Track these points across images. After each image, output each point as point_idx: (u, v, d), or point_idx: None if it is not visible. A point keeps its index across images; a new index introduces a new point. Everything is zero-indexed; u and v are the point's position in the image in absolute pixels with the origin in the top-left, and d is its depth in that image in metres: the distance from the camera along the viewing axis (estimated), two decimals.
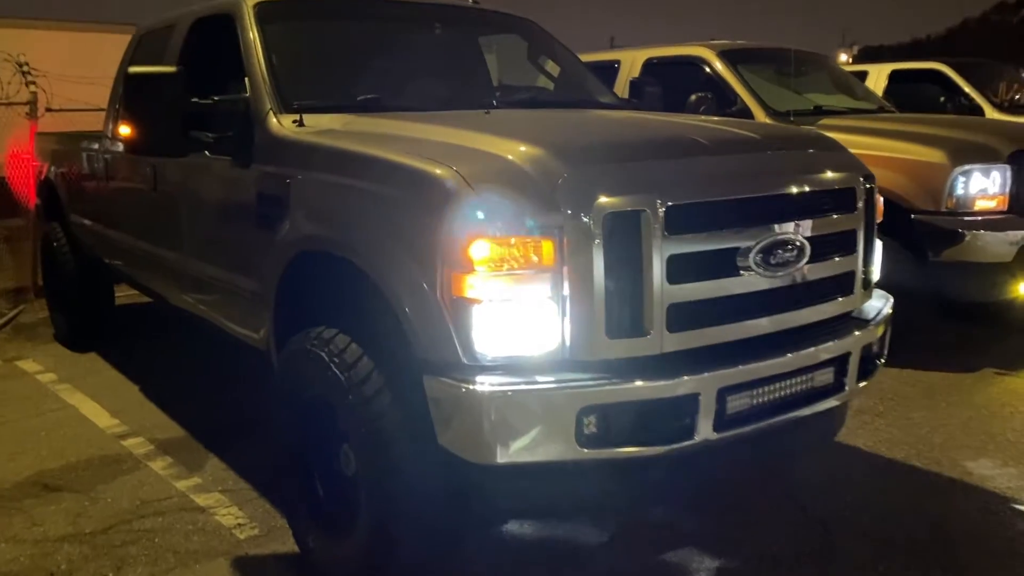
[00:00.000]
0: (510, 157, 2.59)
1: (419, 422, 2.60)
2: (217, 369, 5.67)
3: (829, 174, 2.99)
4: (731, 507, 3.58)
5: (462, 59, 4.54)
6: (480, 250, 2.42)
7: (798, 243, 2.78)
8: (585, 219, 2.44)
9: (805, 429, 3.12)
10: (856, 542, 3.34)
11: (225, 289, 3.75)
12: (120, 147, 5.04)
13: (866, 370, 3.10)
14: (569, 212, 2.44)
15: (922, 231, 5.33)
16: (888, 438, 4.36)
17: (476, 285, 2.43)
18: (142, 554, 3.35)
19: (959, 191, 5.28)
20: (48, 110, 8.21)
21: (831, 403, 2.99)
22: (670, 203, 2.50)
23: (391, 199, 2.65)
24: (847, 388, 3.00)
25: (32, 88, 8.02)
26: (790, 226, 2.76)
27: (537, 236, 2.43)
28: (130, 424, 4.75)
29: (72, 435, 4.62)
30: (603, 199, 2.45)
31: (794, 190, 2.83)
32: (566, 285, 2.45)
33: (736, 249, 2.65)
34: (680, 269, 2.54)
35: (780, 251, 2.74)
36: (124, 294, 6.53)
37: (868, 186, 3.10)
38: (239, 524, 3.58)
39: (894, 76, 10.15)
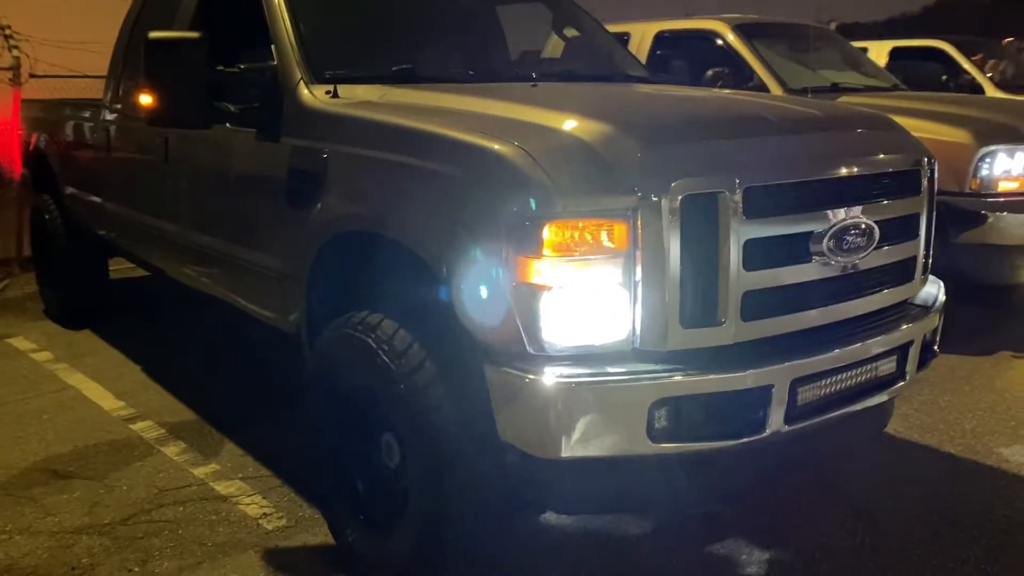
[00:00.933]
0: (578, 134, 2.44)
1: (476, 414, 2.47)
2: (220, 347, 5.51)
3: (896, 155, 2.88)
4: (776, 499, 3.48)
5: (488, 29, 4.36)
6: (549, 233, 2.28)
7: (868, 227, 2.67)
8: (660, 201, 2.30)
9: (862, 421, 3.03)
10: (906, 532, 3.26)
11: (247, 269, 3.57)
12: (123, 115, 4.82)
13: (924, 359, 3.02)
14: (643, 194, 2.30)
15: (944, 212, 5.21)
16: (919, 424, 4.29)
17: (544, 270, 2.29)
18: (167, 546, 3.20)
19: (984, 172, 5.21)
20: (32, 76, 7.92)
21: (891, 393, 2.90)
22: (749, 184, 2.37)
23: (448, 177, 2.49)
24: (908, 378, 2.91)
25: (15, 53, 7.71)
26: (861, 209, 2.65)
27: (610, 219, 2.30)
28: (137, 406, 4.57)
29: (77, 418, 4.43)
30: (680, 180, 2.31)
31: (864, 172, 2.72)
32: (638, 271, 2.31)
33: (810, 234, 2.53)
34: (756, 254, 2.42)
35: (851, 236, 2.62)
36: (116, 267, 6.30)
37: (931, 167, 2.99)
38: (265, 514, 3.43)
39: (895, 53, 10.07)
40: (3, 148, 7.61)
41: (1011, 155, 5.24)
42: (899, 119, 5.41)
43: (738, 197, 2.36)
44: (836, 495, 3.54)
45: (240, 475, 3.76)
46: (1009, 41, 12.53)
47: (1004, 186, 5.26)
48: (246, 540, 3.24)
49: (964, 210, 5.22)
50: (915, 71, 9.75)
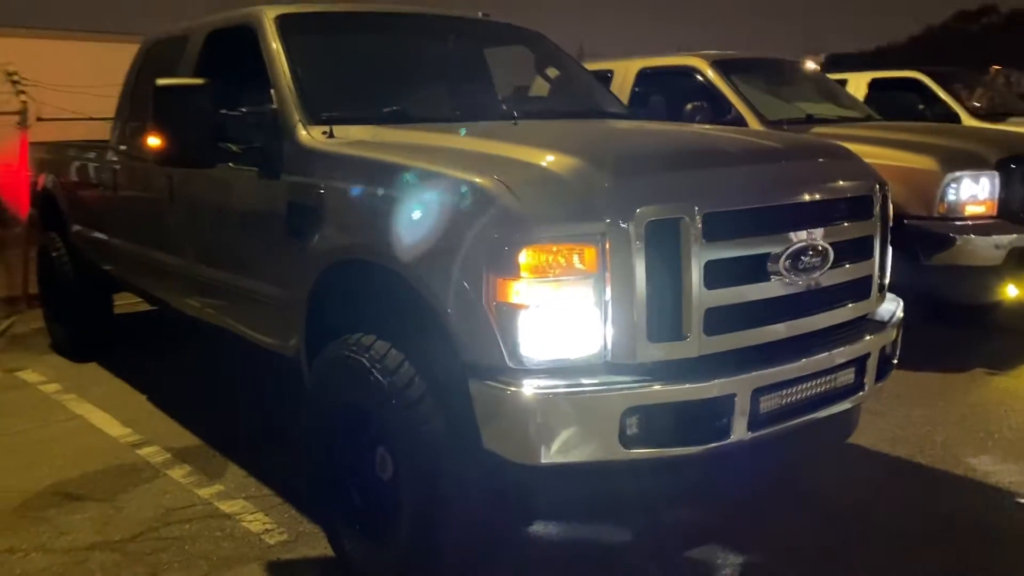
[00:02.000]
0: (551, 167, 2.68)
1: (462, 425, 2.68)
2: (221, 376, 5.73)
3: (848, 182, 3.12)
4: (750, 506, 3.68)
5: (474, 70, 4.63)
6: (525, 257, 2.50)
7: (822, 248, 2.90)
8: (626, 226, 2.53)
9: (825, 429, 3.23)
10: (874, 537, 3.46)
11: (250, 298, 3.79)
12: (129, 156, 5.06)
13: (882, 371, 3.23)
14: (610, 220, 2.53)
15: (914, 235, 5.49)
16: (891, 437, 4.49)
17: (521, 291, 2.51)
18: (175, 560, 3.39)
19: (950, 197, 5.46)
20: (39, 119, 8.21)
21: (851, 403, 3.11)
22: (708, 211, 2.61)
23: (434, 208, 2.72)
24: (866, 388, 3.12)
25: (23, 98, 8.00)
26: (815, 232, 2.88)
27: (580, 243, 2.52)
28: (143, 433, 4.77)
29: (86, 445, 4.63)
30: (644, 207, 2.55)
31: (818, 198, 2.95)
32: (608, 290, 2.54)
33: (767, 255, 2.76)
34: (716, 274, 2.64)
35: (806, 256, 2.85)
36: (119, 303, 6.53)
37: (883, 193, 3.23)
38: (267, 530, 3.62)
39: (874, 84, 10.38)
40: (11, 189, 7.89)
41: (976, 180, 5.50)
42: (870, 148, 5.78)
43: (698, 222, 2.59)
44: (808, 503, 3.74)
45: (243, 495, 3.95)
46: (996, 69, 12.86)
47: (970, 210, 5.51)
48: (249, 554, 3.43)
49: (933, 233, 5.46)
50: (893, 101, 10.08)
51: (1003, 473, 4.02)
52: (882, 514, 3.65)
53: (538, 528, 3.48)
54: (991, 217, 5.52)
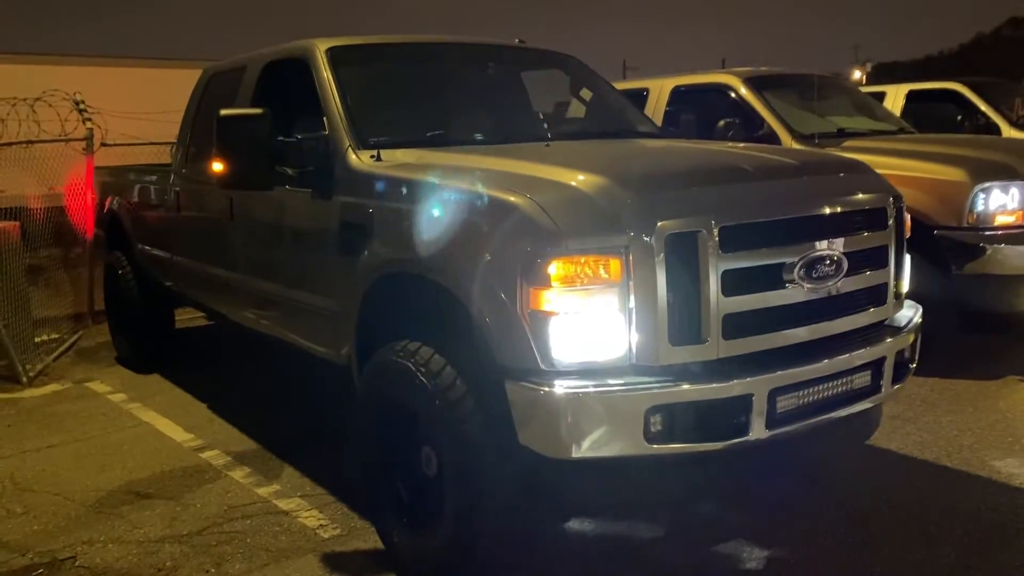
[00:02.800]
0: (579, 185, 2.93)
1: (499, 424, 2.92)
2: (274, 385, 6.06)
3: (862, 195, 3.30)
4: (777, 505, 3.85)
5: (512, 94, 4.90)
6: (556, 268, 2.74)
7: (836, 258, 3.09)
8: (648, 239, 2.76)
9: (845, 429, 3.41)
10: (895, 536, 3.60)
11: (304, 310, 4.09)
12: (191, 179, 5.42)
13: (899, 374, 3.39)
14: (633, 234, 2.76)
15: (945, 246, 5.61)
16: (919, 441, 4.62)
17: (552, 299, 2.75)
18: (237, 552, 3.67)
19: (979, 207, 5.57)
20: (103, 144, 8.67)
21: (868, 404, 3.28)
22: (724, 224, 2.82)
23: (473, 224, 2.98)
24: (883, 390, 3.29)
25: (88, 125, 8.47)
26: (829, 243, 3.07)
27: (606, 255, 2.75)
28: (204, 438, 5.09)
29: (153, 449, 4.97)
30: (664, 221, 2.77)
31: (831, 210, 3.15)
32: (632, 298, 2.76)
33: (782, 264, 2.96)
34: (733, 283, 2.85)
35: (821, 266, 3.05)
36: (179, 318, 6.94)
37: (897, 205, 3.41)
38: (321, 525, 3.89)
39: (911, 96, 10.43)
40: (78, 211, 8.36)
41: (1005, 191, 5.60)
42: (901, 160, 5.94)
43: (714, 235, 2.81)
44: (834, 502, 3.89)
45: (299, 494, 4.23)
46: None
47: (1000, 220, 5.61)
48: (305, 547, 3.70)
49: (963, 243, 5.57)
50: (932, 113, 10.14)
51: None
52: (905, 513, 3.79)
53: (571, 522, 3.70)
54: (1020, 227, 5.61)
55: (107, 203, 7.04)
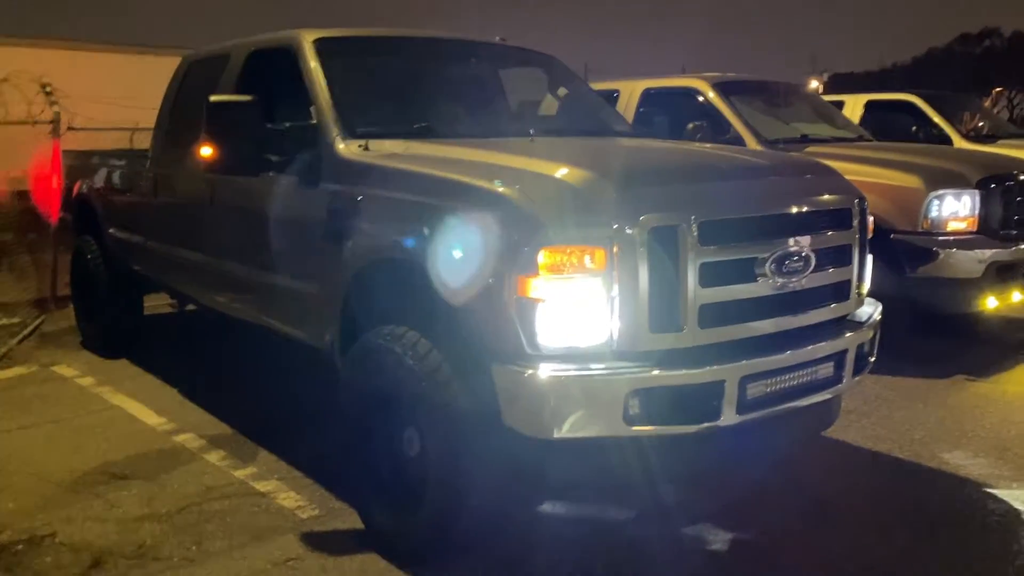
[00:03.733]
0: (565, 179, 3.06)
1: (484, 405, 3.04)
2: (244, 370, 6.10)
3: (829, 196, 3.49)
4: (743, 490, 4.03)
5: (492, 90, 5.02)
6: (543, 257, 2.87)
7: (805, 255, 3.27)
8: (631, 232, 2.90)
9: (807, 418, 3.60)
10: (851, 519, 3.81)
11: (286, 296, 4.16)
12: (171, 165, 5.44)
13: (859, 367, 3.59)
14: (617, 226, 2.90)
15: (900, 249, 5.87)
16: (873, 435, 4.85)
17: (539, 287, 2.88)
18: (218, 530, 3.74)
19: (933, 213, 5.83)
20: (70, 128, 8.60)
21: (830, 394, 3.47)
22: (702, 219, 2.98)
23: (463, 214, 3.09)
24: (844, 381, 3.48)
25: (55, 108, 8.39)
26: (798, 240, 3.25)
27: (591, 246, 2.89)
28: (177, 422, 5.12)
29: (126, 431, 4.99)
30: (646, 215, 2.92)
31: (801, 209, 3.33)
32: (615, 287, 2.90)
33: (755, 259, 3.13)
34: (710, 275, 3.01)
35: (790, 261, 3.22)
36: (148, 304, 6.92)
37: (861, 207, 3.60)
38: (299, 506, 3.97)
39: (870, 106, 10.77)
40: (43, 194, 8.28)
41: (958, 198, 5.87)
42: (860, 166, 6.19)
43: (694, 229, 2.96)
44: (795, 490, 4.09)
45: (276, 476, 4.30)
46: (998, 91, 13.27)
47: (952, 226, 5.89)
48: (284, 526, 3.78)
49: (917, 247, 5.84)
50: (889, 122, 10.48)
51: (973, 466, 4.37)
52: (860, 501, 4.00)
53: (546, 505, 3.83)
54: (971, 233, 5.90)
55: (77, 187, 6.99)
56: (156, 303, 7.46)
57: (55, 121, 8.33)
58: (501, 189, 3.02)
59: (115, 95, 9.74)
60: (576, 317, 2.91)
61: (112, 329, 6.63)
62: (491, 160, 3.40)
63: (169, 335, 7.37)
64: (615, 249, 2.89)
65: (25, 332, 7.29)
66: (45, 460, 4.55)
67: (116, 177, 6.36)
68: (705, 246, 3.00)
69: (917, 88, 11.46)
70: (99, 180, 6.63)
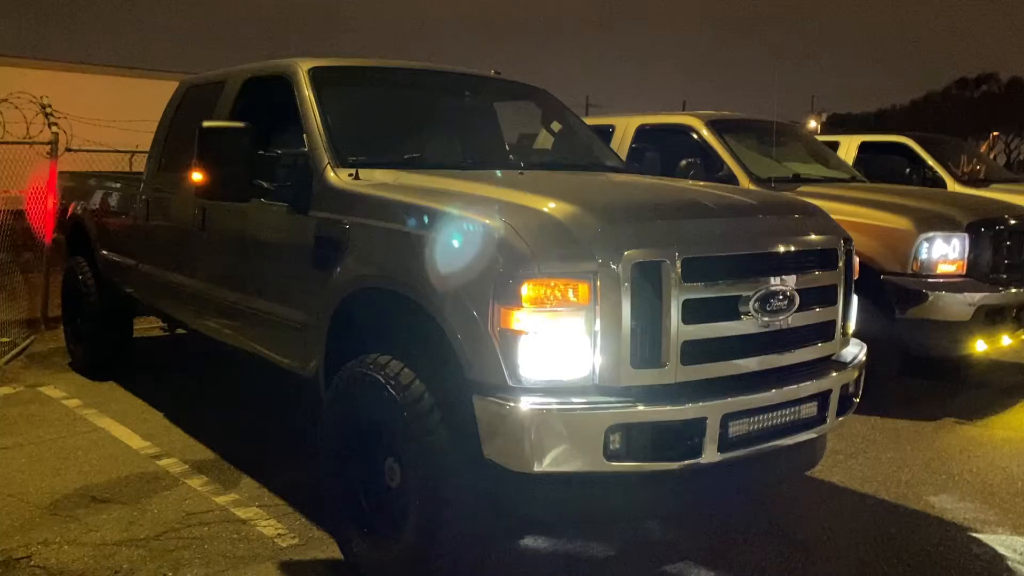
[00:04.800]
0: (551, 212, 3.08)
1: (464, 437, 3.03)
2: (231, 396, 6.09)
3: (815, 236, 3.51)
4: (723, 529, 4.01)
5: (485, 123, 5.06)
6: (527, 290, 2.88)
7: (789, 294, 3.28)
8: (615, 267, 2.91)
9: (790, 458, 3.58)
10: (834, 562, 3.78)
11: (273, 322, 4.15)
12: (165, 189, 5.46)
13: (844, 407, 3.59)
14: (601, 260, 2.91)
15: (890, 290, 5.88)
16: (860, 475, 4.83)
17: (522, 319, 2.88)
18: (195, 557, 3.70)
19: (923, 255, 5.85)
20: (68, 150, 8.63)
21: (814, 434, 3.46)
22: (686, 256, 2.99)
23: (448, 244, 3.10)
24: (828, 422, 3.47)
25: (54, 129, 8.42)
26: (783, 279, 3.26)
27: (575, 279, 2.90)
28: (161, 446, 5.10)
29: (108, 454, 4.95)
30: (630, 251, 2.93)
31: (786, 249, 3.34)
32: (598, 321, 2.91)
33: (738, 297, 3.14)
34: (692, 312, 3.02)
35: (774, 300, 3.23)
36: (138, 327, 6.92)
37: (847, 248, 3.62)
38: (279, 534, 3.94)
39: (863, 147, 10.87)
40: (38, 214, 8.30)
41: (948, 241, 5.90)
42: (851, 207, 6.22)
43: (677, 266, 2.97)
44: (777, 531, 4.06)
45: (257, 503, 4.27)
46: (995, 135, 13.42)
47: (942, 268, 5.90)
48: (263, 554, 3.75)
49: (907, 288, 5.85)
50: (883, 164, 10.57)
51: (959, 510, 4.35)
52: (843, 543, 3.97)
53: (525, 539, 3.80)
54: (961, 276, 5.91)
55: (71, 208, 7.01)
56: (146, 326, 7.48)
57: (53, 142, 8.36)
58: (486, 221, 3.03)
59: (115, 117, 9.79)
60: (559, 350, 2.91)
61: (100, 351, 6.62)
62: (478, 192, 3.42)
63: (157, 359, 7.36)
64: (598, 283, 2.90)
65: (13, 352, 7.26)
66: (26, 481, 4.52)
67: (109, 199, 6.38)
68: (689, 283, 3.00)
69: (913, 131, 11.57)
70: (93, 202, 6.65)
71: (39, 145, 8.37)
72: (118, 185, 6.30)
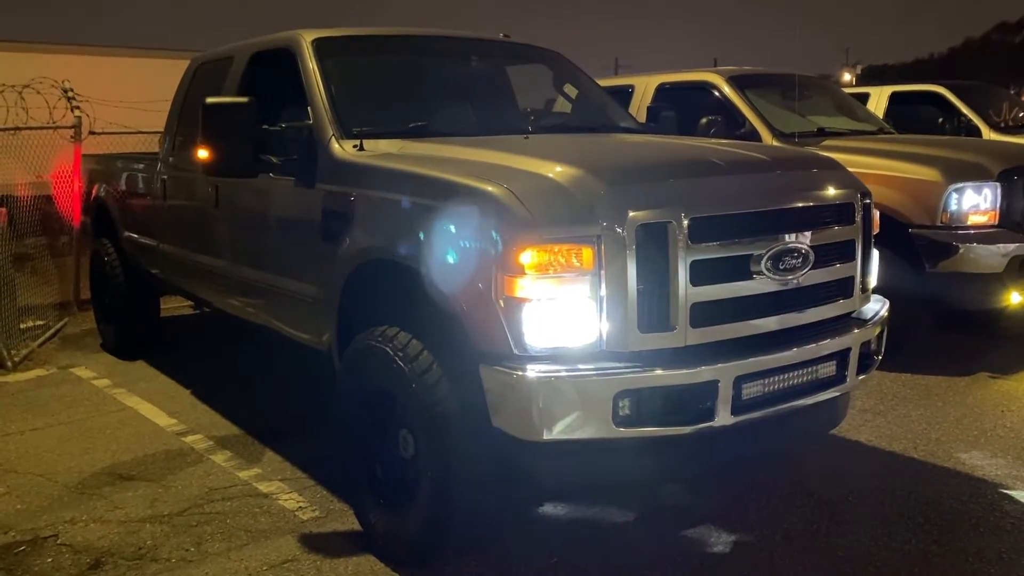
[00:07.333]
0: (554, 176, 3.01)
1: (472, 407, 3.00)
2: (256, 373, 6.13)
3: (830, 191, 3.40)
4: (745, 492, 3.95)
5: (496, 88, 4.98)
6: (530, 256, 2.82)
7: (803, 251, 3.19)
8: (619, 230, 2.84)
9: (810, 418, 3.50)
10: (859, 521, 3.71)
11: (287, 297, 4.16)
12: (177, 168, 5.48)
13: (865, 365, 3.50)
14: (605, 224, 2.85)
15: (919, 244, 5.72)
16: (888, 433, 4.73)
17: (526, 286, 2.83)
18: (217, 532, 3.74)
19: (953, 207, 5.68)
20: (92, 133, 8.69)
21: (833, 393, 3.38)
22: (693, 216, 2.91)
23: (451, 213, 3.05)
24: (847, 380, 3.39)
25: (77, 113, 8.48)
26: (796, 236, 3.17)
27: (578, 244, 2.84)
28: (187, 423, 5.16)
29: (136, 433, 5.03)
30: (635, 212, 2.86)
31: (799, 205, 3.25)
32: (603, 286, 2.85)
33: (749, 256, 3.06)
34: (701, 273, 2.94)
35: (788, 258, 3.14)
36: (164, 306, 7.00)
37: (865, 201, 3.51)
38: (300, 507, 3.97)
39: (894, 98, 10.55)
40: (65, 199, 8.39)
41: (978, 191, 5.71)
42: (878, 160, 6.05)
43: (684, 226, 2.90)
44: (802, 491, 4.00)
45: (279, 477, 4.31)
46: None
47: (973, 219, 5.72)
48: (284, 527, 3.78)
49: (937, 242, 5.69)
50: (914, 114, 10.27)
51: (990, 467, 4.25)
52: (870, 500, 3.90)
53: (541, 507, 3.78)
54: (993, 226, 5.73)
55: (94, 191, 7.08)
56: (174, 305, 7.57)
57: (76, 126, 8.42)
58: (487, 187, 2.97)
59: (137, 99, 9.82)
60: (564, 317, 2.86)
61: (129, 331, 6.71)
62: (481, 158, 3.36)
63: (186, 337, 7.44)
64: (603, 247, 2.84)
65: (47, 335, 7.39)
66: (54, 461, 4.60)
67: (129, 180, 6.42)
68: (696, 243, 2.93)
69: (948, 79, 11.21)
70: (114, 184, 6.70)
71: (63, 129, 8.44)
72: (136, 166, 6.34)
